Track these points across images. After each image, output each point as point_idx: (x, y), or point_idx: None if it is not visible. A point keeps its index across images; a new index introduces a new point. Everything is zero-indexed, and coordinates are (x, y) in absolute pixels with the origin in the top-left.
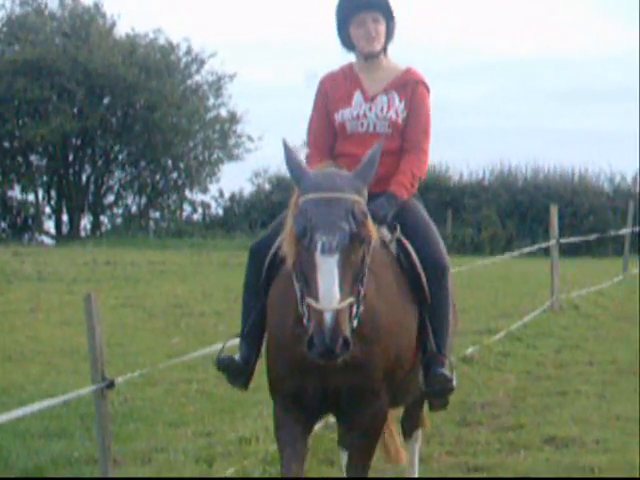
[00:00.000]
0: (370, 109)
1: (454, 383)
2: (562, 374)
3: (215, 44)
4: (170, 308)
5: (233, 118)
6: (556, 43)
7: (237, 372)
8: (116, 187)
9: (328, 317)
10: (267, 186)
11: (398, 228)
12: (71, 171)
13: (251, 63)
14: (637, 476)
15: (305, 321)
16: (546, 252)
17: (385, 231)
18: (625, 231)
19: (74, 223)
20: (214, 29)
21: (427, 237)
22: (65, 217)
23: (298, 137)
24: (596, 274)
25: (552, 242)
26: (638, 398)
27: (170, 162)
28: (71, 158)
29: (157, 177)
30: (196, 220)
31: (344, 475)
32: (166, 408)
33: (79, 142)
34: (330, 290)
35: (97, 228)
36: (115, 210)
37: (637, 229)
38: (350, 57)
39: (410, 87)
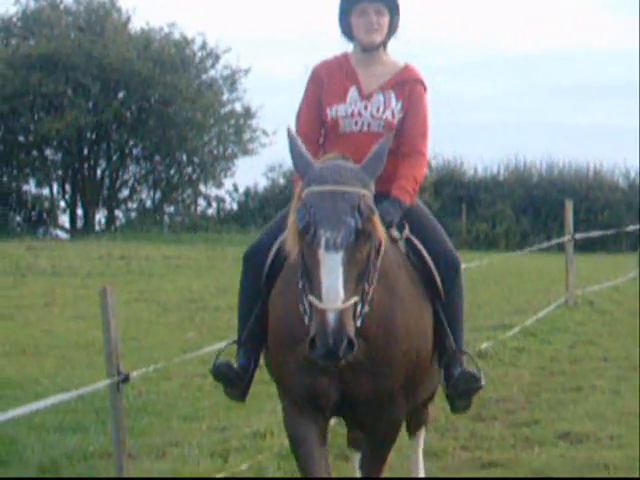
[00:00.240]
0: (365, 107)
1: (483, 382)
2: (576, 370)
3: (230, 38)
4: (185, 302)
5: (248, 113)
6: (569, 38)
7: (235, 381)
8: (131, 181)
9: (331, 317)
10: (282, 180)
11: (407, 227)
12: (86, 165)
13: (266, 58)
14: None
15: (307, 320)
16: (560, 247)
17: (394, 230)
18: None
19: (89, 217)
20: (229, 23)
21: (435, 234)
22: (80, 211)
23: None
24: (611, 270)
25: (567, 237)
26: None
27: (185, 156)
28: (86, 152)
29: (172, 171)
30: (211, 215)
31: (357, 474)
32: (181, 402)
33: (94, 136)
34: (334, 289)
35: (112, 222)
36: (130, 204)
37: None
38: (350, 47)
39: (408, 86)
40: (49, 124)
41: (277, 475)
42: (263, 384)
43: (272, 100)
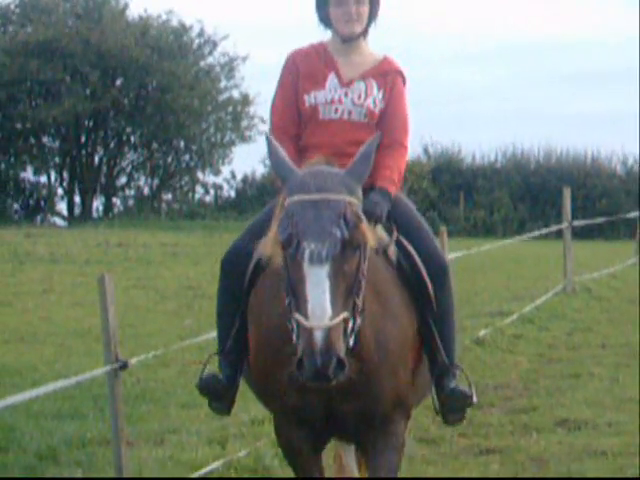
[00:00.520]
0: (346, 94)
1: (475, 399)
2: (574, 357)
3: (228, 26)
4: (182, 290)
5: (245, 100)
6: (566, 26)
7: (221, 393)
8: (128, 169)
9: (319, 336)
10: None
11: (395, 229)
12: (83, 152)
13: (264, 45)
14: None
15: (294, 338)
16: (558, 234)
17: (382, 232)
18: (638, 214)
19: (86, 205)
20: (227, 11)
21: (422, 235)
22: (77, 199)
23: None
24: (609, 257)
25: (565, 225)
26: None
27: (182, 144)
28: (83, 139)
29: (169, 159)
30: (208, 202)
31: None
32: (179, 389)
33: (91, 123)
34: (320, 305)
35: (109, 210)
36: (127, 192)
37: None
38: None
39: (390, 77)
40: (47, 111)
41: (275, 462)
42: None
43: (269, 87)
